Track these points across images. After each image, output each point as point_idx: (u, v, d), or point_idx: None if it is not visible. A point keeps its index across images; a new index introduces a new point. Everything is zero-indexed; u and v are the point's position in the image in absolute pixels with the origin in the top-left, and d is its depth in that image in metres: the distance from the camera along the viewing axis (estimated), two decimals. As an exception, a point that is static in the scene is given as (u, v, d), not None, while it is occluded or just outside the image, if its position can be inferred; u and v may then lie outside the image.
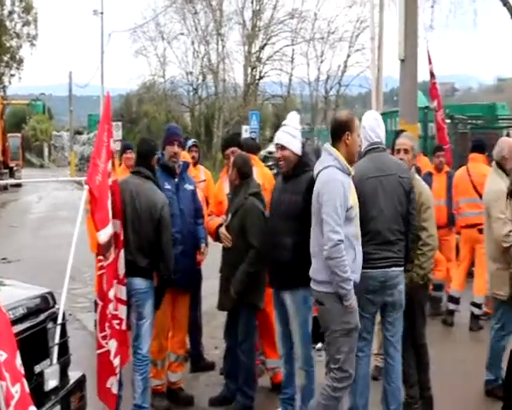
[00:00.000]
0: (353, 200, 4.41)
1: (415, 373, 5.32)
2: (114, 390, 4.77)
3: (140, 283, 5.12)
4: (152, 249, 5.18)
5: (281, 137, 5.09)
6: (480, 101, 34.06)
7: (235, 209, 5.47)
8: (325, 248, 4.24)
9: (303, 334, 5.01)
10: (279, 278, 5.04)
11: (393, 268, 4.83)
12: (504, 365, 5.92)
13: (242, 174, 5.50)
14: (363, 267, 4.70)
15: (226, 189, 6.07)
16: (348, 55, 37.37)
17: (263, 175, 6.15)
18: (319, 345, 6.90)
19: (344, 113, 4.78)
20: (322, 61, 38.55)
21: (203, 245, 5.77)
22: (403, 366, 5.02)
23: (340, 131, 4.50)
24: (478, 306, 7.70)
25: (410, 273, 5.12)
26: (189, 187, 5.79)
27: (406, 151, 5.31)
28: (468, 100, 47.01)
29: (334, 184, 4.32)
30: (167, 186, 5.59)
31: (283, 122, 5.22)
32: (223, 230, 5.58)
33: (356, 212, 4.44)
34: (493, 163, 6.10)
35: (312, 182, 4.97)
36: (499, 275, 5.77)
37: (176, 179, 5.70)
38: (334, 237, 4.20)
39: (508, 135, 22.07)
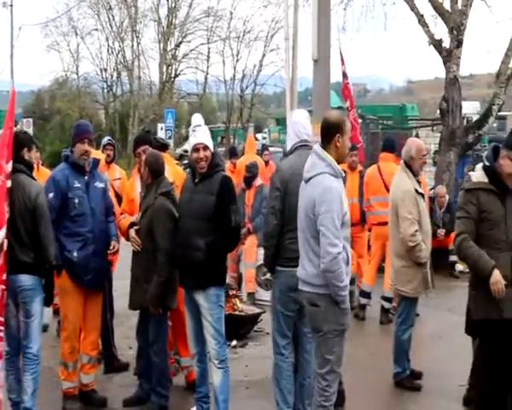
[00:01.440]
0: (346, 204, 4.34)
1: None
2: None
3: (25, 279, 4.93)
4: (33, 242, 4.96)
5: (203, 137, 5.10)
6: (391, 102, 35.16)
7: (145, 209, 5.40)
8: (323, 262, 4.13)
9: (217, 332, 5.03)
10: (192, 279, 5.01)
11: None
12: (411, 356, 6.19)
13: (154, 173, 5.43)
14: (288, 265, 4.81)
15: (138, 187, 6.00)
16: (263, 55, 37.79)
17: (175, 173, 6.10)
18: (234, 343, 6.98)
19: (335, 113, 4.61)
20: (237, 60, 38.78)
21: (114, 242, 5.65)
22: None
23: (330, 133, 4.36)
24: (388, 300, 7.94)
25: None
26: (99, 185, 5.65)
27: None
28: (380, 101, 48.38)
29: (331, 195, 4.20)
30: (77, 185, 5.44)
31: (194, 124, 5.20)
32: (132, 233, 5.51)
33: (348, 216, 4.36)
34: (401, 162, 6.23)
35: (224, 182, 5.09)
36: (403, 272, 5.96)
37: (86, 177, 5.55)
38: (334, 251, 4.11)
39: (417, 135, 22.85)
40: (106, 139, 8.21)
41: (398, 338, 6.08)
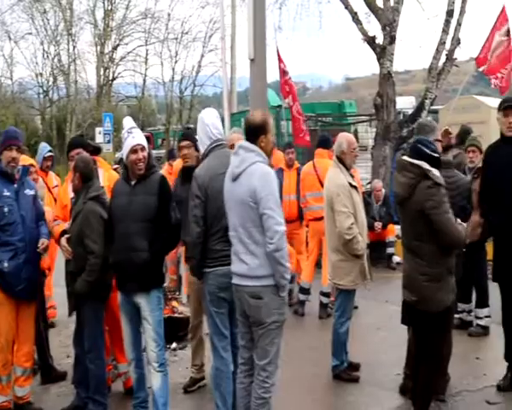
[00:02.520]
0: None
1: None
2: None
3: None
4: None
5: (141, 138, 5.09)
6: (330, 99, 35.57)
7: (75, 215, 5.31)
8: (272, 242, 4.21)
9: (158, 335, 5.01)
10: (137, 281, 4.95)
11: None
12: (350, 348, 6.28)
13: (84, 177, 5.34)
14: (215, 265, 4.83)
15: (71, 192, 5.89)
16: (202, 56, 37.65)
17: (109, 177, 6.03)
18: (174, 345, 6.94)
19: (258, 114, 4.56)
20: (176, 62, 38.52)
21: (42, 239, 5.48)
22: None
23: (254, 135, 4.42)
24: (326, 295, 8.03)
25: None
26: (29, 192, 5.53)
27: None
28: (319, 98, 48.91)
29: (270, 178, 4.33)
30: (6, 193, 5.32)
31: (128, 126, 5.15)
32: (63, 241, 5.42)
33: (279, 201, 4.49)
34: (334, 158, 6.32)
35: (163, 181, 5.11)
36: (341, 266, 6.04)
37: (15, 185, 5.43)
38: (280, 229, 4.24)
39: (355, 131, 23.21)
40: (47, 150, 8.18)
41: (336, 331, 6.16)
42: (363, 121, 19.14)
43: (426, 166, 4.80)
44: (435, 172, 4.79)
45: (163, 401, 5.06)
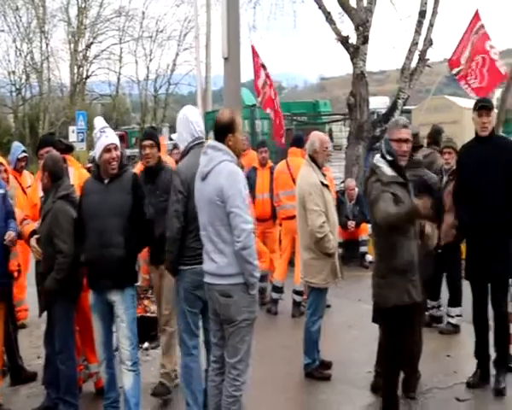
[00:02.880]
0: (247, 189, 4.46)
1: None
2: None
3: None
4: None
5: (114, 138, 5.08)
6: (306, 98, 35.70)
7: (44, 214, 5.25)
8: (239, 240, 4.22)
9: (131, 334, 5.00)
10: (112, 278, 4.93)
11: None
12: (322, 346, 6.30)
13: (53, 176, 5.29)
14: (192, 263, 4.81)
15: (41, 191, 5.83)
16: (177, 54, 37.56)
17: (79, 175, 5.97)
18: (146, 345, 6.90)
19: (226, 113, 4.56)
20: (150, 60, 38.38)
21: (9, 232, 5.39)
22: None
23: (222, 134, 4.43)
24: (299, 293, 8.03)
25: None
26: (-2, 191, 5.47)
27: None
28: (294, 98, 49.03)
29: (236, 177, 4.34)
30: (-25, 193, 5.26)
31: (101, 125, 5.11)
32: (33, 242, 5.35)
33: (248, 199, 4.50)
34: (306, 156, 6.35)
35: (135, 179, 5.13)
36: (312, 264, 6.06)
37: (-17, 185, 5.36)
38: (247, 227, 4.23)
39: (330, 130, 23.29)
40: (20, 151, 8.10)
41: (308, 329, 6.17)
42: (338, 120, 19.24)
43: (378, 162, 4.82)
44: (385, 169, 4.75)
45: (135, 400, 5.04)
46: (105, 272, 4.93)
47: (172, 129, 39.12)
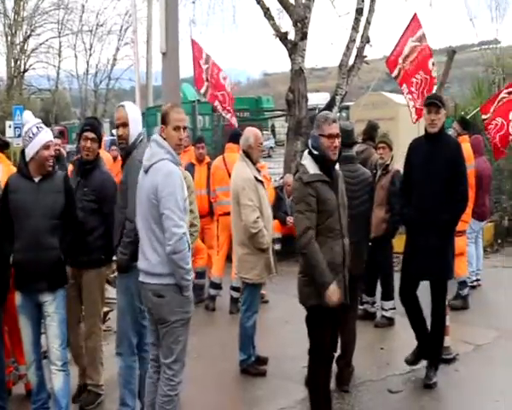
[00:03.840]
0: (186, 191, 4.39)
1: None
2: None
3: None
4: None
5: (51, 134, 4.97)
6: (249, 94, 35.73)
7: None
8: (170, 243, 4.14)
9: (61, 334, 4.92)
10: (46, 280, 4.81)
11: None
12: (259, 342, 6.31)
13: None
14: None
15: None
16: (117, 49, 37.03)
17: (8, 172, 5.79)
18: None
19: (164, 106, 4.58)
20: (90, 55, 37.72)
21: None
22: None
23: (161, 124, 4.42)
24: (236, 289, 7.99)
25: None
26: None
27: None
28: (238, 94, 48.97)
29: (173, 178, 4.25)
30: None
31: (34, 122, 4.97)
32: None
33: (188, 202, 4.43)
34: (240, 152, 6.37)
35: (67, 179, 5.05)
36: (246, 259, 6.07)
37: None
38: (179, 231, 4.15)
39: (273, 126, 23.27)
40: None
41: (242, 325, 6.18)
42: (279, 116, 19.29)
43: (304, 159, 4.82)
44: (309, 166, 4.74)
45: (66, 401, 4.97)
46: (39, 273, 4.80)
47: (113, 124, 38.62)
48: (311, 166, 4.75)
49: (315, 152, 4.77)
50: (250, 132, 6.32)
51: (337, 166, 4.93)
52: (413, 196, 5.86)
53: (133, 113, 4.91)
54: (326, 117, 4.81)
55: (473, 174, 8.22)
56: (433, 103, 5.81)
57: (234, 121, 11.39)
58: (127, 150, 4.88)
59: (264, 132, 20.00)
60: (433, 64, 10.15)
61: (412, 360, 6.01)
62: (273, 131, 24.38)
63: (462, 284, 8.29)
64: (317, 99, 21.97)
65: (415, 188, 5.86)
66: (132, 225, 4.60)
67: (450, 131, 8.55)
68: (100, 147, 5.59)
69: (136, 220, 4.45)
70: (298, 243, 4.77)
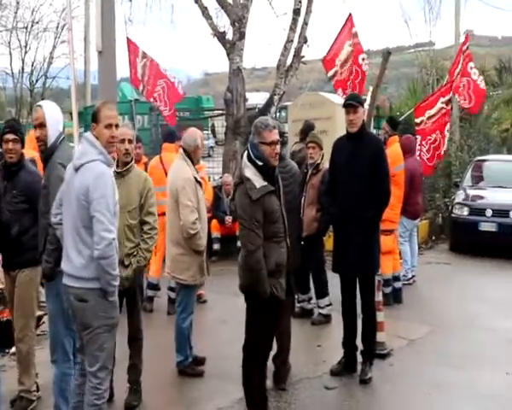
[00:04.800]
0: (117, 195, 4.28)
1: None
2: None
3: None
4: None
5: None
6: (189, 94, 35.53)
7: None
8: (98, 248, 4.01)
9: None
10: None
11: None
12: (197, 342, 6.28)
13: None
14: None
15: None
16: (54, 47, 36.12)
17: None
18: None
19: (98, 103, 4.50)
20: (26, 52, 36.69)
21: None
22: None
23: (92, 122, 4.32)
24: (174, 290, 7.91)
25: (137, 258, 5.26)
26: None
27: (130, 141, 5.40)
28: (178, 93, 48.53)
29: (105, 181, 4.14)
30: None
31: None
32: None
33: (118, 206, 4.34)
34: (181, 151, 6.30)
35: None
36: (181, 260, 6.03)
37: None
38: (109, 236, 4.05)
39: (213, 125, 23.22)
40: None
41: (178, 326, 6.15)
42: (219, 115, 19.25)
43: (247, 170, 4.71)
44: (255, 180, 4.65)
45: None
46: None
47: (50, 124, 37.69)
48: (256, 180, 4.66)
49: (259, 163, 4.69)
50: (197, 134, 6.25)
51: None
52: (338, 195, 5.97)
53: (52, 113, 4.79)
54: (266, 124, 4.74)
55: (403, 174, 8.40)
56: (350, 104, 5.94)
57: (171, 118, 11.31)
58: (47, 153, 4.76)
59: (205, 132, 19.96)
60: (363, 59, 10.36)
61: (338, 371, 6.10)
62: (213, 131, 24.31)
63: (386, 282, 8.46)
64: (257, 99, 22.02)
65: (339, 187, 5.97)
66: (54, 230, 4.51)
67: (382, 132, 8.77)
68: (23, 147, 5.45)
69: (62, 219, 4.33)
70: (249, 258, 4.69)
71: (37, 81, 37.00)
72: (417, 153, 10.77)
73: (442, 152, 11.19)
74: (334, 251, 6.13)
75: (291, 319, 6.05)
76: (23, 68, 37.09)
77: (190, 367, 6.14)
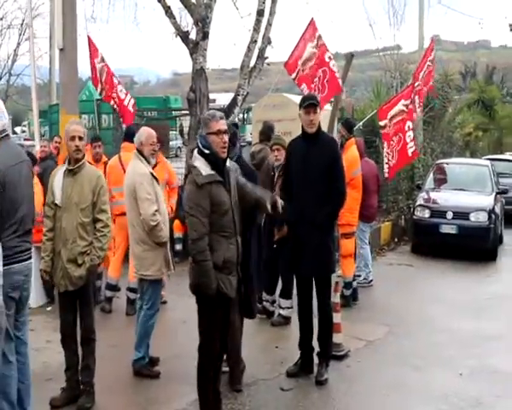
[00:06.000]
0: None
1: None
2: None
3: None
4: None
5: None
6: (158, 94, 35.37)
7: None
8: None
9: None
10: None
11: (31, 260, 4.76)
12: (155, 342, 6.23)
13: None
14: (9, 263, 4.47)
15: None
16: (18, 44, 35.62)
17: None
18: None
19: None
20: (-10, 49, 36.13)
21: None
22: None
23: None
24: (133, 290, 7.84)
25: (91, 256, 5.23)
26: None
27: (81, 138, 5.33)
28: (146, 93, 48.45)
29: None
30: None
31: None
32: None
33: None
34: (135, 150, 6.39)
35: None
36: (145, 256, 6.05)
37: None
38: None
39: (181, 125, 23.08)
40: None
41: (144, 324, 6.11)
42: (186, 115, 19.15)
43: (195, 160, 4.79)
44: (201, 168, 4.71)
45: None
46: None
47: (14, 121, 37.22)
48: (202, 168, 4.71)
49: (206, 151, 4.74)
50: (143, 130, 6.42)
51: (228, 163, 4.91)
52: (294, 196, 5.95)
53: None
54: (213, 114, 4.84)
55: (360, 177, 8.43)
56: (311, 104, 5.94)
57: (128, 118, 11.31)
58: None
59: (173, 132, 19.85)
60: (329, 58, 10.34)
61: (294, 372, 6.10)
62: (181, 131, 24.20)
63: (348, 284, 8.50)
64: (226, 99, 22.00)
65: (294, 188, 5.96)
66: None
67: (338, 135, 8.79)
68: None
69: None
70: (192, 247, 4.72)
71: (1, 78, 36.60)
72: (385, 160, 10.84)
73: (412, 150, 11.08)
74: (291, 252, 6.12)
75: (244, 320, 5.99)
76: (-14, 65, 36.70)
77: (146, 368, 6.09)
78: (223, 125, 4.75)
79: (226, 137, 4.75)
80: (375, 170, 9.76)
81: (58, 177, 5.39)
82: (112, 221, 8.39)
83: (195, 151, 4.85)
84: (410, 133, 10.92)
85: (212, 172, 4.71)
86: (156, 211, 5.97)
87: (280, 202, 5.14)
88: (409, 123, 10.91)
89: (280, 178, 7.59)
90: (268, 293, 7.93)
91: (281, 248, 7.35)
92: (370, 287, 9.54)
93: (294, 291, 7.44)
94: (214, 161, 4.74)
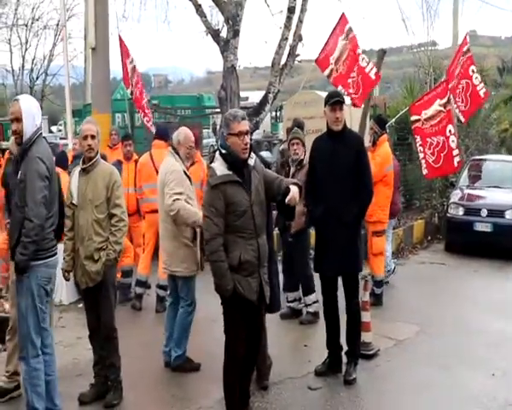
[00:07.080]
0: None
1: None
2: None
3: None
4: None
5: None
6: (192, 92, 35.53)
7: None
8: None
9: None
10: None
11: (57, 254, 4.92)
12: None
13: None
14: (46, 256, 4.75)
15: None
16: (54, 44, 36.11)
17: None
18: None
19: None
20: (26, 49, 36.69)
21: None
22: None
23: None
24: (163, 288, 7.87)
25: (106, 251, 5.25)
26: None
27: (93, 137, 5.36)
28: (180, 91, 48.69)
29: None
30: None
31: None
32: None
33: None
34: (169, 148, 6.42)
35: None
36: (176, 253, 6.06)
37: None
38: None
39: (214, 124, 23.17)
40: None
41: (182, 321, 6.15)
42: (219, 113, 19.20)
43: (215, 160, 4.77)
44: (218, 167, 4.70)
45: None
46: None
47: (50, 121, 37.76)
48: (219, 168, 4.69)
49: (223, 151, 4.72)
50: (181, 130, 6.40)
51: (252, 162, 4.84)
52: (319, 194, 5.89)
53: (28, 107, 4.78)
54: (234, 115, 4.77)
55: (392, 174, 8.32)
56: (338, 102, 5.87)
57: (150, 126, 11.34)
58: (23, 147, 4.75)
59: (205, 130, 19.90)
60: (359, 54, 10.18)
61: (322, 371, 6.05)
62: (214, 130, 24.30)
63: (378, 283, 8.40)
64: (259, 97, 21.97)
65: (320, 186, 5.89)
66: (32, 224, 4.51)
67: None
68: None
69: None
70: (206, 247, 4.75)
71: (37, 78, 37.12)
72: (421, 155, 10.59)
73: (458, 159, 10.68)
74: (316, 251, 6.06)
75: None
76: (23, 65, 37.24)
77: (187, 363, 6.16)
78: (244, 126, 4.69)
79: (247, 138, 4.70)
80: (398, 167, 9.64)
81: (74, 177, 5.48)
82: (142, 218, 8.56)
83: (217, 152, 4.82)
84: (454, 138, 10.58)
85: (229, 173, 4.66)
86: (174, 201, 5.84)
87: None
88: (450, 127, 10.57)
89: (297, 172, 7.50)
90: (290, 290, 7.84)
91: (295, 243, 7.31)
92: (401, 286, 9.41)
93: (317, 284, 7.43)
94: (232, 161, 4.70)
